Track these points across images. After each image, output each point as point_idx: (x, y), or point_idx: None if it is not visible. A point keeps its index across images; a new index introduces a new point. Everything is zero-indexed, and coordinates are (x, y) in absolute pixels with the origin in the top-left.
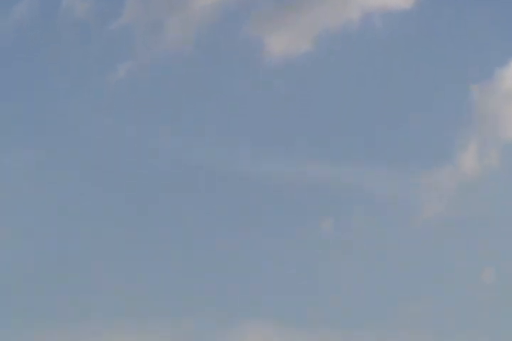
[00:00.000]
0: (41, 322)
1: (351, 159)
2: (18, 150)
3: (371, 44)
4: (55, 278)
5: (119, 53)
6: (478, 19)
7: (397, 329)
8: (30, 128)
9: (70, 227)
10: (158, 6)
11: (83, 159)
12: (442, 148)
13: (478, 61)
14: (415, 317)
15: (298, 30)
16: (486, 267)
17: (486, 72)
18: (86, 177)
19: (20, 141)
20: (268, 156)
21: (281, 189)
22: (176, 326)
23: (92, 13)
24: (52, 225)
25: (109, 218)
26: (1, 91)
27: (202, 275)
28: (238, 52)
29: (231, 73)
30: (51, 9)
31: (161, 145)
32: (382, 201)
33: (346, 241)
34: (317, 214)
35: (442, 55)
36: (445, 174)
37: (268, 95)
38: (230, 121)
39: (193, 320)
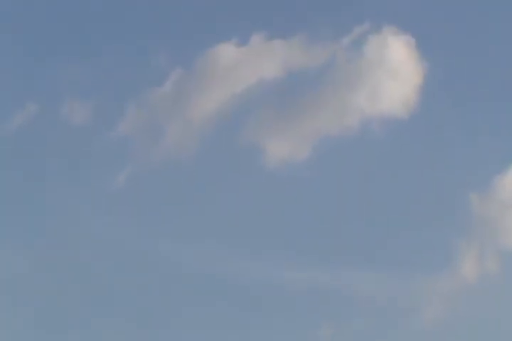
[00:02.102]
0: None
1: (351, 263)
2: (13, 251)
3: (370, 150)
4: None
5: (119, 160)
6: (477, 127)
7: None
8: (27, 231)
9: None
10: (158, 112)
11: (80, 262)
12: (442, 254)
13: (476, 168)
14: None
15: (298, 136)
16: None
17: (484, 179)
18: (78, 280)
19: (17, 242)
20: (266, 261)
21: (279, 294)
22: None
23: (92, 119)
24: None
25: (104, 324)
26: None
27: None
28: (238, 157)
29: (231, 178)
30: (50, 116)
31: (160, 250)
32: (382, 305)
33: None
34: (316, 319)
35: (441, 163)
36: (445, 279)
37: (268, 200)
38: (229, 226)
39: None
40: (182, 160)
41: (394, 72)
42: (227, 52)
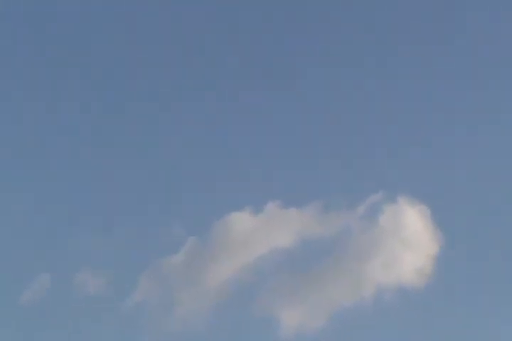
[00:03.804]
0: None
1: None
2: None
3: (385, 320)
4: None
5: (132, 330)
6: (493, 298)
7: None
8: None
9: None
10: (172, 281)
11: None
12: None
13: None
14: None
15: (312, 306)
16: None
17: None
18: None
19: None
20: None
21: None
22: None
23: (105, 289)
24: None
25: None
26: None
27: None
28: (252, 328)
29: None
30: (63, 286)
31: None
32: None
33: None
34: None
35: (458, 332)
36: None
37: None
38: None
39: None
40: (196, 331)
41: (409, 241)
42: (242, 220)
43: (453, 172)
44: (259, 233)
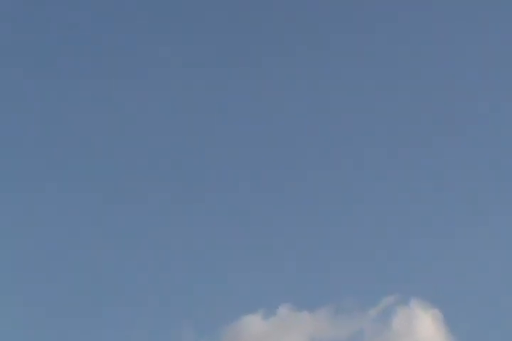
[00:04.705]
0: None
1: None
2: None
3: None
4: None
5: None
6: None
7: None
8: None
9: None
10: None
11: None
12: None
13: None
14: None
15: None
16: None
17: None
18: None
19: None
20: None
21: None
22: None
23: None
24: None
25: None
26: None
27: None
28: None
29: None
30: None
31: None
32: None
33: None
34: None
35: None
36: None
37: None
38: None
39: None
40: None
41: None
42: (253, 323)
43: (466, 276)
44: (271, 336)
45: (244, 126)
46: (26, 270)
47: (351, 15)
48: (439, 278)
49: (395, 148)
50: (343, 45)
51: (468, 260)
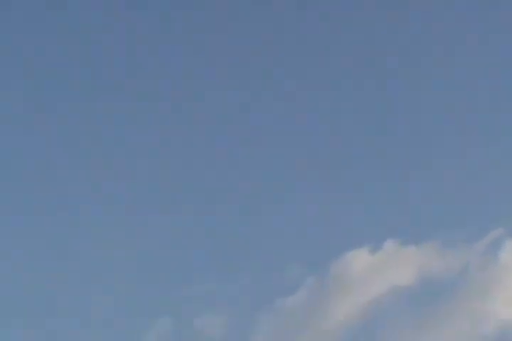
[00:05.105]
0: None
1: None
2: None
3: None
4: None
5: None
6: None
7: None
8: None
9: None
10: (291, 322)
11: None
12: None
13: None
14: None
15: None
16: None
17: None
18: None
19: None
20: None
21: None
22: None
23: (226, 332)
24: None
25: None
26: None
27: None
28: None
29: None
30: (184, 329)
31: None
32: None
33: None
34: None
35: None
36: None
37: None
38: None
39: None
40: None
41: None
42: (360, 258)
43: None
44: (378, 271)
45: None
46: None
47: None
48: None
49: None
50: None
51: None
